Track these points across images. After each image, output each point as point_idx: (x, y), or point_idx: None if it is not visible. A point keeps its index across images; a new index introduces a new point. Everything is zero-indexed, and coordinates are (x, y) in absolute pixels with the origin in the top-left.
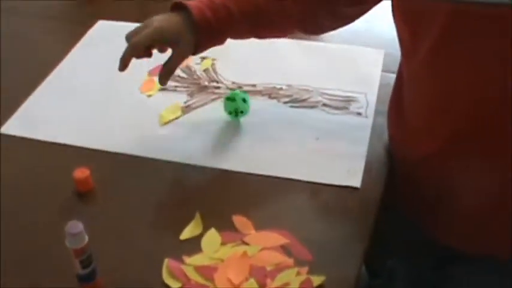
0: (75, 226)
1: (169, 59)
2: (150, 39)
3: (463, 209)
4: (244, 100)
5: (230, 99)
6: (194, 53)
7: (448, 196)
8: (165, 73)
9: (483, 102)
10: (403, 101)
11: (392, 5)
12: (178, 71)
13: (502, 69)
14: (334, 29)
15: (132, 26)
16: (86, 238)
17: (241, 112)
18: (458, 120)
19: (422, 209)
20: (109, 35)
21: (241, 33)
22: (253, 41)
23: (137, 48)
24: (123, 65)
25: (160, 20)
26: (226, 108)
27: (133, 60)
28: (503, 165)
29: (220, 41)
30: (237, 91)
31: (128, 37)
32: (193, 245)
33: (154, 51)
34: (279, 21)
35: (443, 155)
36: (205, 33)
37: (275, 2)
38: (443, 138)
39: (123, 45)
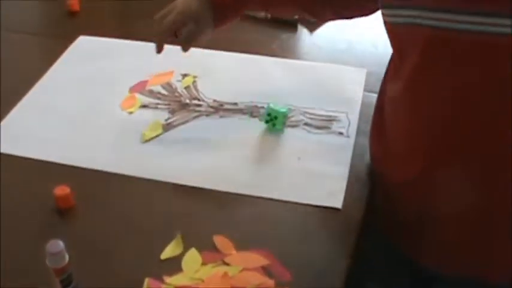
0: (56, 245)
1: (191, 30)
2: (174, 24)
3: (443, 232)
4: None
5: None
6: (216, 27)
7: (427, 218)
8: (185, 43)
9: (462, 128)
10: (384, 121)
11: (384, 21)
12: (159, 88)
13: (480, 97)
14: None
15: (114, 41)
16: (67, 257)
17: (274, 125)
18: (437, 146)
19: (403, 230)
20: (90, 50)
21: (254, 9)
22: (235, 59)
23: (165, 34)
24: (159, 49)
25: (181, 3)
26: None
27: (114, 77)
28: (482, 190)
29: (236, 16)
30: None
31: (157, 20)
32: (174, 265)
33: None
34: (288, 5)
35: (422, 178)
36: (221, 10)
37: None
38: (421, 162)
39: (104, 61)
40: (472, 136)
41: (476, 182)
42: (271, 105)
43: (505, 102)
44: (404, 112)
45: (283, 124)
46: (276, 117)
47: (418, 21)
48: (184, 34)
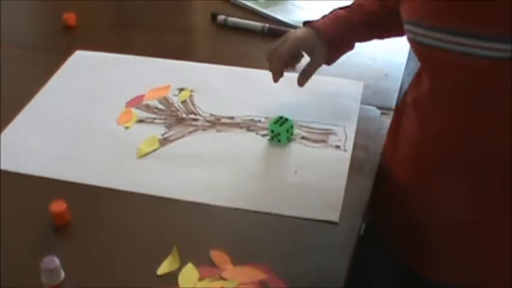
0: (51, 262)
1: (308, 64)
2: (294, 47)
3: (442, 242)
4: (283, 131)
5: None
6: (328, 63)
7: (426, 227)
8: (304, 76)
9: (463, 146)
10: (400, 124)
11: None
12: (155, 103)
13: (482, 118)
14: None
15: (110, 55)
16: (62, 274)
17: (278, 141)
18: (438, 160)
19: (403, 239)
20: (87, 65)
21: (365, 39)
22: (231, 72)
23: (284, 57)
24: (276, 76)
25: (299, 32)
26: (270, 126)
27: (110, 92)
28: (481, 203)
29: (349, 48)
30: (289, 119)
31: (271, 50)
32: (171, 280)
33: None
34: (392, 24)
35: (422, 187)
36: (334, 46)
37: (389, 14)
38: (422, 171)
39: (101, 75)
40: (472, 154)
41: (475, 195)
42: (273, 122)
43: (505, 124)
44: (415, 123)
45: (288, 137)
46: (279, 133)
47: (419, 39)
48: (303, 68)
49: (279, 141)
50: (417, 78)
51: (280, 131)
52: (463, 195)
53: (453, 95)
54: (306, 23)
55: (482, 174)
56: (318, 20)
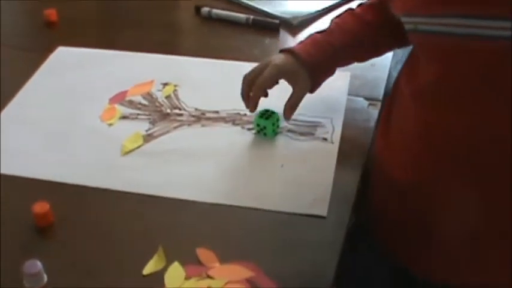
0: (33, 266)
1: (292, 95)
2: (274, 75)
3: (437, 241)
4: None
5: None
6: (311, 91)
7: (420, 224)
8: (290, 108)
9: (462, 139)
10: (392, 115)
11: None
12: (139, 98)
13: (481, 106)
14: None
15: (92, 51)
16: (45, 278)
17: (265, 134)
18: (435, 155)
19: (396, 235)
20: (69, 61)
21: (346, 61)
22: (216, 66)
23: (263, 87)
24: (253, 105)
25: (277, 59)
26: (256, 119)
27: (93, 89)
28: (481, 203)
29: (331, 73)
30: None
31: (247, 77)
32: (157, 280)
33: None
34: (376, 44)
35: (414, 184)
36: (316, 72)
37: (369, 30)
38: (416, 168)
39: (83, 72)
40: (471, 148)
41: (473, 197)
42: (259, 115)
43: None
44: (415, 116)
45: (275, 131)
46: (265, 127)
47: (421, 27)
48: (288, 99)
49: (265, 134)
50: (410, 69)
51: (266, 125)
52: (466, 194)
53: (462, 85)
54: (282, 50)
55: (487, 170)
56: (296, 45)
